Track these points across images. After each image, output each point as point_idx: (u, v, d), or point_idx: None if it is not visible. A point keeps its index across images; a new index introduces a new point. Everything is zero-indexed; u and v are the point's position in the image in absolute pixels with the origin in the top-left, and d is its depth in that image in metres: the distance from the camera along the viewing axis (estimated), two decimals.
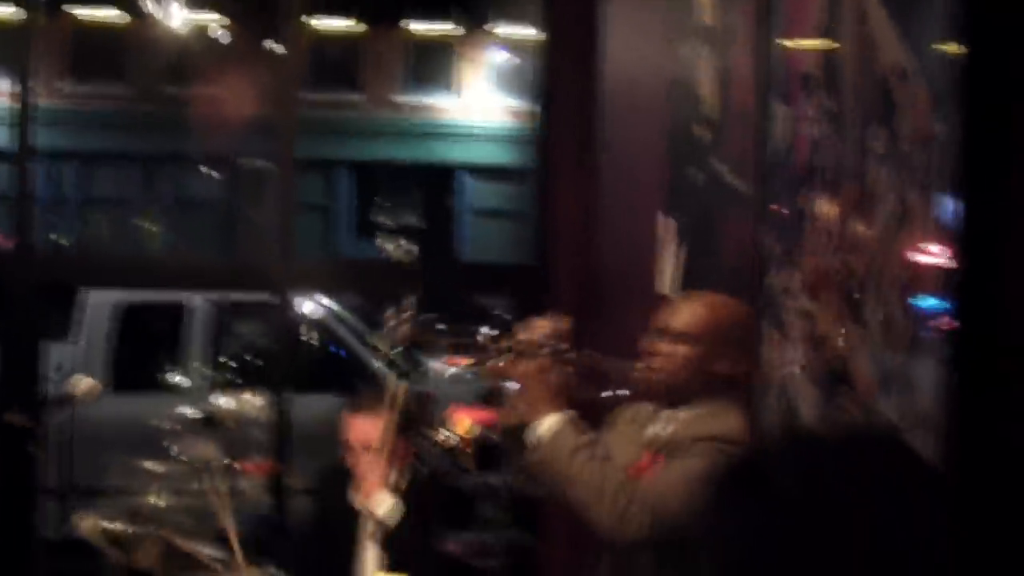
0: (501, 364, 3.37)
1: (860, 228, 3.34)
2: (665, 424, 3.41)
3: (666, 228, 5.06)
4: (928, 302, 3.08)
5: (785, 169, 3.89)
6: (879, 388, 3.22)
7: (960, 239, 2.89)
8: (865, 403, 3.28)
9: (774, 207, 3.97)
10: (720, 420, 3.32)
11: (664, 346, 3.39)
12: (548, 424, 3.26)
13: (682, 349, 3.36)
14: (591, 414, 3.42)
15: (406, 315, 3.44)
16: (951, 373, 2.90)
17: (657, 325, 3.44)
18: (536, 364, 3.31)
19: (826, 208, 3.56)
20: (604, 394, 3.51)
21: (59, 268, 6.70)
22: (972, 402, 2.86)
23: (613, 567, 3.48)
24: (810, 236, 3.67)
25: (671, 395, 3.40)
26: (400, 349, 3.69)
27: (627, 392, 3.49)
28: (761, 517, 1.52)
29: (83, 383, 4.33)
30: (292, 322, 7.35)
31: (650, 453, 3.35)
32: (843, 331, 3.40)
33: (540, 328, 3.40)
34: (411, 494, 4.92)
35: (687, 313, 3.42)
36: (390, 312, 3.54)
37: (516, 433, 3.42)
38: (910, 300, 3.13)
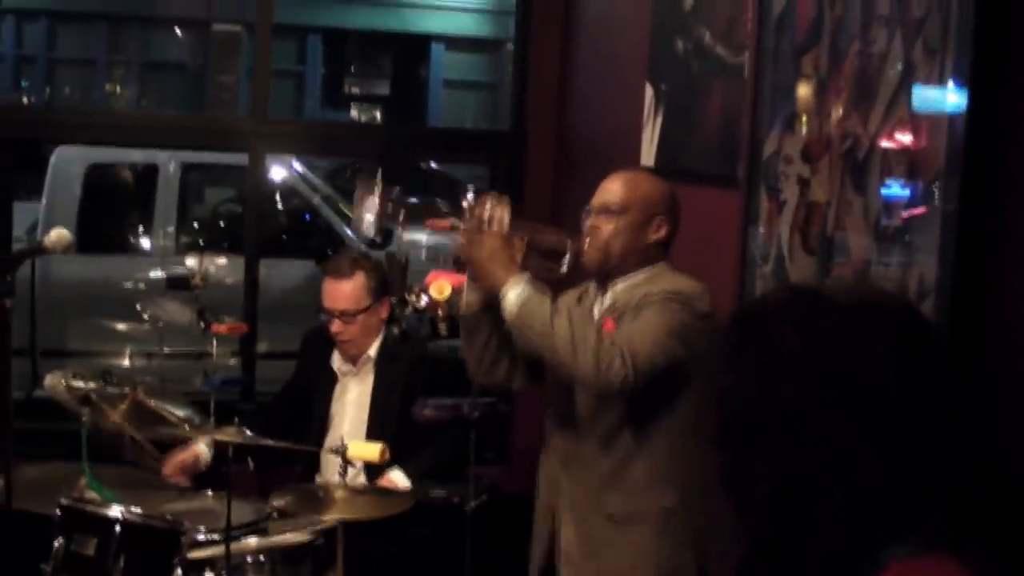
0: (457, 244, 3.51)
1: (864, 95, 3.28)
2: (611, 297, 3.59)
3: (649, 98, 5.00)
4: (909, 187, 3.04)
5: (783, 35, 3.81)
6: (875, 259, 3.18)
7: (965, 116, 2.83)
8: (860, 272, 3.26)
9: (770, 74, 3.91)
10: (664, 279, 3.52)
11: (601, 221, 3.56)
12: (518, 289, 3.34)
13: (616, 221, 3.54)
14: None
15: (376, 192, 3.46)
16: (953, 249, 2.86)
17: (592, 204, 3.61)
18: (489, 238, 3.42)
19: (828, 73, 3.50)
20: (551, 265, 3.61)
21: (25, 124, 6.55)
22: (972, 275, 2.84)
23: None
24: (810, 102, 3.61)
25: (613, 266, 3.58)
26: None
27: (565, 264, 3.59)
28: (765, 371, 1.49)
29: (52, 232, 4.24)
30: (263, 185, 7.25)
31: (611, 318, 3.49)
32: (842, 199, 3.35)
33: (484, 205, 3.50)
34: (387, 359, 4.91)
35: (616, 188, 3.59)
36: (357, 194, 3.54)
37: (471, 319, 3.63)
38: (897, 182, 3.10)
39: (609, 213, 3.55)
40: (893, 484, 1.41)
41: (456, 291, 4.06)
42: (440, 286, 4.39)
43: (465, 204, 3.54)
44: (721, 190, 4.24)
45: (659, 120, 4.90)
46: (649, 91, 4.99)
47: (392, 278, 4.93)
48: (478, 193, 3.60)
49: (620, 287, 3.57)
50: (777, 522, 1.46)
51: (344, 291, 4.85)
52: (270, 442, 4.39)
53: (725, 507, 1.53)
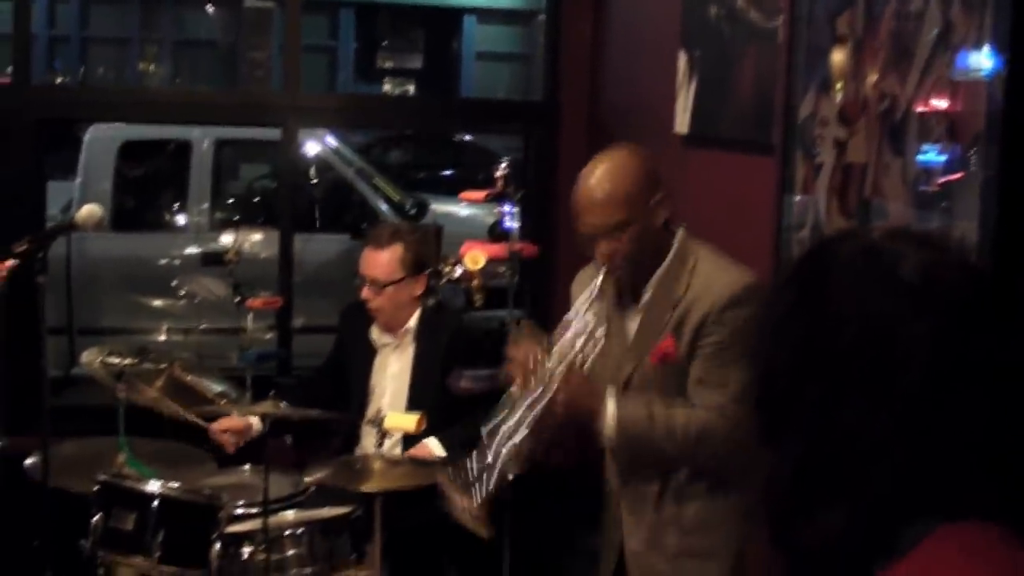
0: (548, 427, 3.28)
1: (901, 55, 3.23)
2: (649, 294, 3.39)
3: (682, 66, 4.96)
4: (948, 152, 3.00)
5: None
6: (915, 223, 3.13)
7: (1004, 78, 2.78)
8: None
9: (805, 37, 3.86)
10: (700, 265, 3.32)
11: (613, 243, 3.32)
12: (610, 417, 3.24)
13: (627, 234, 3.30)
14: None
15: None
16: (994, 214, 2.82)
17: (591, 230, 3.33)
18: (564, 393, 3.24)
19: (864, 34, 3.45)
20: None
21: (59, 103, 6.56)
22: (1013, 240, 2.79)
23: None
24: (846, 64, 3.56)
25: (643, 269, 3.38)
26: None
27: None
28: (809, 343, 1.47)
29: (83, 209, 4.24)
30: (297, 159, 7.24)
31: (669, 335, 3.30)
32: (879, 161, 3.31)
33: (526, 364, 3.30)
34: (427, 332, 4.90)
35: (606, 204, 3.30)
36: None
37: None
38: (934, 147, 3.05)
39: (616, 231, 3.30)
40: (928, 460, 1.39)
41: (485, 257, 4.03)
42: (474, 256, 4.38)
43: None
44: (756, 156, 4.20)
45: (693, 87, 4.87)
46: (682, 58, 4.95)
47: (429, 249, 4.92)
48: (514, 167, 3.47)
49: (655, 281, 3.37)
50: (801, 495, 1.46)
51: (377, 260, 4.85)
52: (310, 413, 4.40)
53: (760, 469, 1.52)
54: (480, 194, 5.00)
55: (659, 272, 3.37)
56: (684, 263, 3.34)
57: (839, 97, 3.58)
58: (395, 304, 4.84)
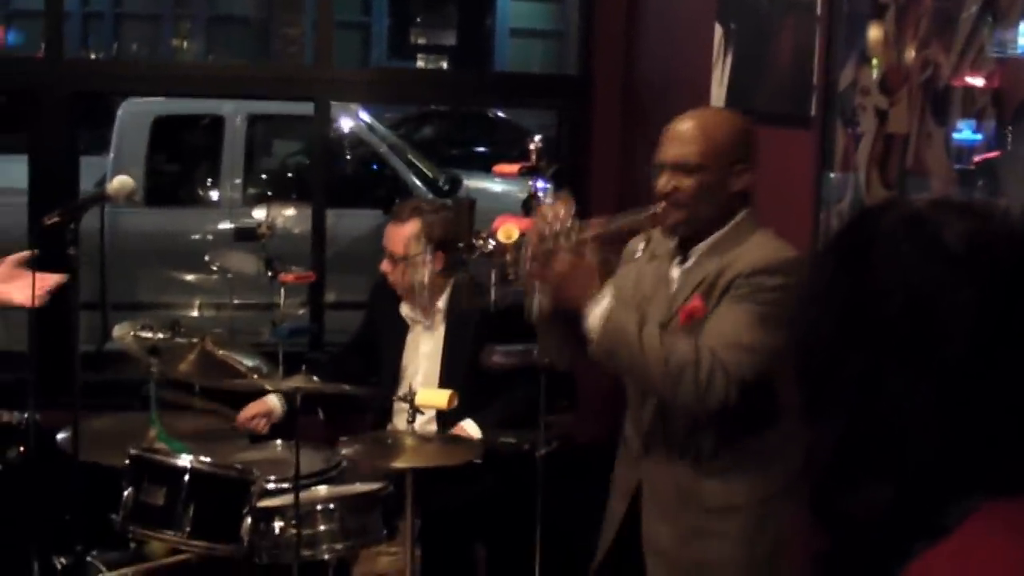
0: (533, 273, 3.22)
1: (944, 24, 3.18)
2: (694, 260, 3.33)
3: (718, 39, 4.91)
4: (991, 124, 2.94)
5: None
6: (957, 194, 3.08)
7: None
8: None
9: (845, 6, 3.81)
10: (750, 241, 3.27)
11: (678, 179, 3.26)
12: (601, 309, 3.12)
13: (696, 179, 3.25)
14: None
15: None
16: None
17: (663, 160, 3.30)
18: (562, 258, 3.15)
19: (906, 2, 3.40)
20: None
21: (93, 77, 6.55)
22: None
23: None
24: (887, 32, 3.50)
25: (695, 227, 3.31)
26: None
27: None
28: (849, 318, 1.43)
29: (115, 180, 4.23)
30: (329, 134, 7.21)
31: (699, 294, 3.25)
32: (921, 131, 3.25)
33: (546, 217, 3.23)
34: (456, 307, 4.88)
35: (690, 140, 3.27)
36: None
37: (545, 324, 3.36)
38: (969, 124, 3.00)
39: (686, 170, 3.24)
40: (972, 431, 1.36)
41: (518, 230, 3.98)
42: (508, 230, 4.33)
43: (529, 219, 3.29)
44: (794, 130, 4.15)
45: (729, 61, 4.82)
46: (718, 32, 4.90)
47: (459, 223, 4.88)
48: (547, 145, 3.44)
49: (703, 247, 3.31)
50: (845, 468, 1.43)
51: (396, 234, 4.85)
52: (343, 388, 4.38)
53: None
54: (513, 167, 4.95)
55: (711, 238, 3.31)
56: (737, 237, 3.28)
57: (879, 67, 3.53)
58: (409, 279, 4.83)
